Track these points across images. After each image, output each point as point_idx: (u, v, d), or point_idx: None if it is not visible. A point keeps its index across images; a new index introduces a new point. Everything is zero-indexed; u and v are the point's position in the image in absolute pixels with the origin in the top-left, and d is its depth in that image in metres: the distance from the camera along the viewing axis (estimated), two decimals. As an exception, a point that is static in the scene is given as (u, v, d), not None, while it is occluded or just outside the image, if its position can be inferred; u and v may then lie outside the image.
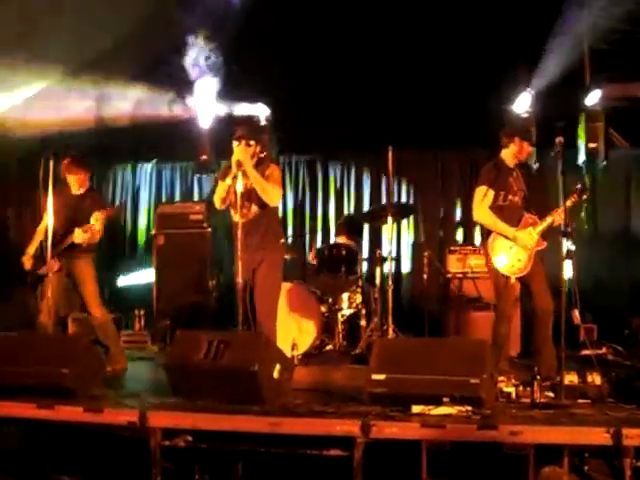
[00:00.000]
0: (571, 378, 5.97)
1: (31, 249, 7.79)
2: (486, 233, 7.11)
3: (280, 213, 9.11)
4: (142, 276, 11.57)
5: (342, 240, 9.53)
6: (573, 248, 6.15)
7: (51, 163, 7.29)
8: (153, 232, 10.89)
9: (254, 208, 6.93)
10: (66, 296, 8.19)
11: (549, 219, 7.00)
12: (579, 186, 7.02)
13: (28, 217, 7.99)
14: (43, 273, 7.58)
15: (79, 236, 7.48)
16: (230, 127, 7.83)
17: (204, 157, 11.24)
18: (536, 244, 6.97)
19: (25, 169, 8.16)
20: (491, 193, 7.02)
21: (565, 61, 9.47)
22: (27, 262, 7.74)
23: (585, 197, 7.05)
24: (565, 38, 9.31)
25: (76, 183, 7.76)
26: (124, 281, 11.85)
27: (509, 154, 7.17)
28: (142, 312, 10.68)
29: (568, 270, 6.10)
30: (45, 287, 7.44)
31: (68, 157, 7.71)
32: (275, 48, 9.95)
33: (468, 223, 11.11)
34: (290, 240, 10.05)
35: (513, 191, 7.10)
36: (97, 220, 7.49)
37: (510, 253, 6.99)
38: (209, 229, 10.69)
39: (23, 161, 10.57)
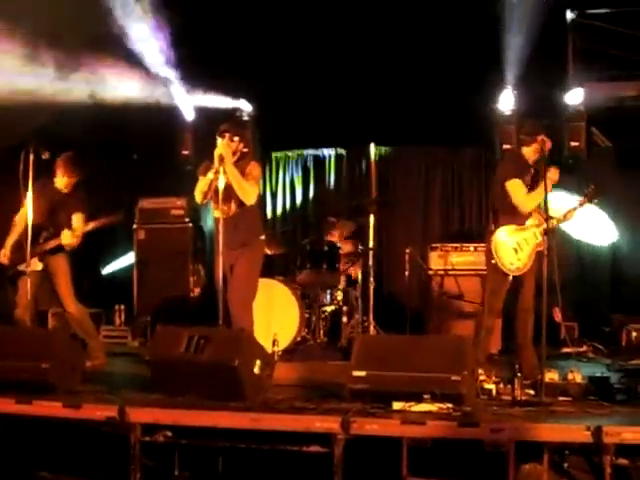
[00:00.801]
0: (552, 376, 6.00)
1: (9, 242, 7.73)
2: (491, 230, 7.08)
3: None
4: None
5: (324, 236, 9.51)
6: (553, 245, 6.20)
7: (31, 157, 7.21)
8: (134, 226, 10.83)
9: (234, 204, 6.92)
10: (47, 290, 8.13)
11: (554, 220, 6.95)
12: (592, 188, 7.04)
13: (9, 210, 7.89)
14: (23, 269, 7.52)
15: (67, 238, 7.44)
16: (212, 122, 7.80)
17: (185, 152, 11.22)
18: (538, 244, 6.98)
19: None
20: (520, 183, 6.97)
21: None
22: (4, 257, 7.68)
23: (596, 200, 7.10)
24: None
25: (64, 183, 7.68)
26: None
27: (531, 151, 7.04)
28: (122, 307, 10.64)
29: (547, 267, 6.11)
30: (23, 281, 7.39)
31: (67, 155, 7.65)
32: (259, 43, 9.90)
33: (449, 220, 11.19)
34: (275, 234, 9.98)
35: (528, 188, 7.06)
36: (78, 222, 7.48)
37: (512, 251, 6.99)
38: (190, 224, 10.67)
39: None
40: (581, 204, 7.02)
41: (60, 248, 7.59)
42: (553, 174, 6.77)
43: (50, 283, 7.80)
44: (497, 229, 7.02)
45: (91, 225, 7.58)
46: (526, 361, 6.63)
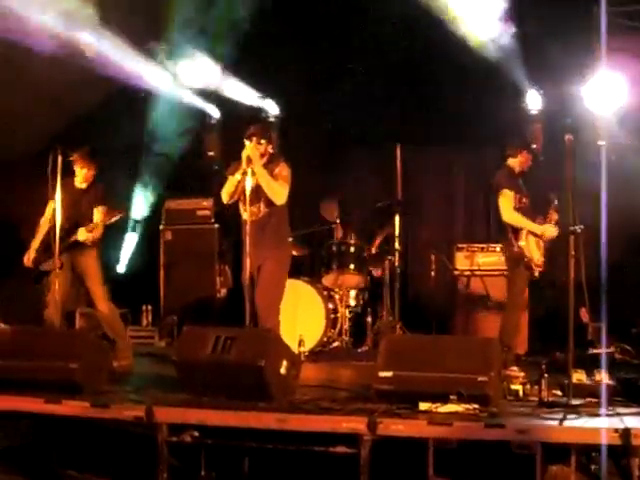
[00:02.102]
0: (579, 377, 5.96)
1: (35, 244, 7.76)
2: (517, 230, 7.44)
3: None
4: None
5: (350, 237, 9.51)
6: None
7: (59, 156, 7.26)
8: (161, 227, 10.88)
9: (262, 206, 6.95)
10: (74, 290, 8.18)
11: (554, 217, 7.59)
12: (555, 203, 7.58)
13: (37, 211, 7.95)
14: (46, 269, 7.57)
15: (82, 234, 7.47)
16: (239, 123, 7.81)
17: (211, 152, 11.26)
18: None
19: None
20: (512, 195, 7.49)
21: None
22: (28, 260, 7.71)
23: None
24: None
25: (83, 177, 7.74)
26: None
27: (517, 163, 7.71)
28: (149, 308, 10.69)
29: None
30: (51, 281, 7.43)
31: (83, 149, 7.69)
32: (285, 42, 9.91)
33: (475, 221, 11.14)
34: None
35: (524, 194, 7.58)
36: (99, 216, 7.51)
37: (537, 250, 7.44)
38: (216, 225, 10.70)
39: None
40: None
41: (85, 245, 7.63)
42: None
43: (81, 283, 7.84)
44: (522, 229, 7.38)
45: (100, 223, 7.53)
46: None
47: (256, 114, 10.83)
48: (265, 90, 10.77)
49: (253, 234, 6.70)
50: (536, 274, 7.43)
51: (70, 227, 7.50)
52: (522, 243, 7.37)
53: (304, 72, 10.19)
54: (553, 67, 9.61)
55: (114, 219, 7.62)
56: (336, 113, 10.42)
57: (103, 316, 7.78)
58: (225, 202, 7.06)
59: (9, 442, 6.50)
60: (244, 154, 6.78)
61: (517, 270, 7.48)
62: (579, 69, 9.63)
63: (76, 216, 7.56)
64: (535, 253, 7.41)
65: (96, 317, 8.07)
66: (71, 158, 7.56)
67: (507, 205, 7.45)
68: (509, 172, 7.68)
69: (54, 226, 7.26)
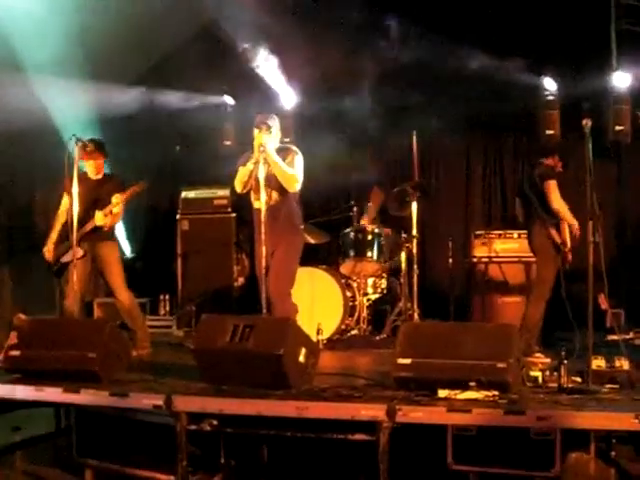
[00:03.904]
0: (599, 363, 5.94)
1: (53, 236, 7.80)
2: (556, 220, 7.57)
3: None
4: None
5: (367, 224, 9.49)
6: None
7: (76, 148, 7.28)
8: (178, 217, 10.90)
9: (274, 194, 6.96)
10: (92, 281, 8.21)
11: None
12: None
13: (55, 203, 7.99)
14: (67, 260, 7.60)
15: (100, 219, 7.52)
16: (254, 112, 7.80)
17: (227, 142, 11.27)
18: None
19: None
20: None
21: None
22: (48, 253, 7.75)
23: None
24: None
25: (95, 168, 7.77)
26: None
27: (552, 162, 7.88)
28: (167, 297, 10.72)
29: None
30: (70, 272, 7.45)
31: (90, 142, 7.70)
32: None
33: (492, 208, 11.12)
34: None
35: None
36: (118, 202, 7.54)
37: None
38: (233, 214, 10.70)
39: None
40: None
41: (105, 233, 7.66)
42: None
43: (100, 273, 7.87)
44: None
45: (121, 199, 7.62)
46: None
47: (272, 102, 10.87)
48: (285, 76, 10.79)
49: (265, 222, 6.69)
50: (567, 265, 7.50)
51: (87, 216, 7.56)
52: (566, 232, 7.53)
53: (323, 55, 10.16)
54: (571, 51, 9.58)
55: (131, 195, 7.67)
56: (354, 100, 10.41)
57: (122, 305, 7.81)
58: (239, 192, 7.07)
59: (30, 432, 6.56)
60: (256, 143, 6.79)
61: (549, 259, 7.56)
62: (597, 54, 9.61)
63: (93, 205, 7.59)
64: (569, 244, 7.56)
65: (114, 307, 8.11)
66: (87, 149, 7.60)
67: (557, 193, 7.56)
68: (552, 167, 7.84)
69: (72, 217, 7.29)
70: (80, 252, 7.49)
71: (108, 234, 7.74)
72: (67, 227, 7.47)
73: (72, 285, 7.35)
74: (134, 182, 7.72)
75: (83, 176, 7.64)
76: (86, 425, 6.42)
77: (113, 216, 7.59)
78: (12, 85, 8.77)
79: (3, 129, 8.52)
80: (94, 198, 7.64)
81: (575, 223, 7.50)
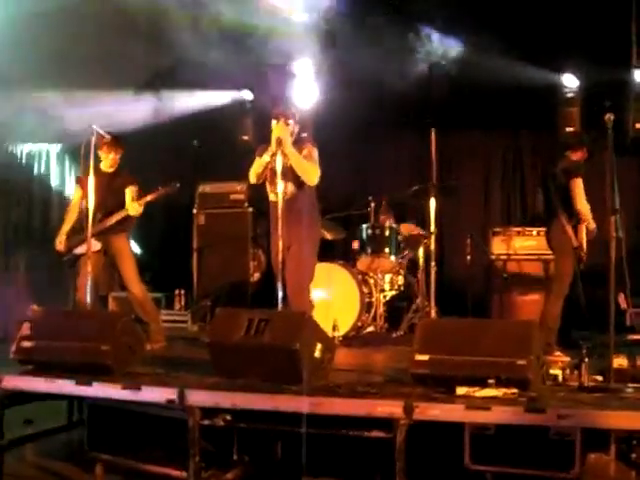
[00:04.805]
0: (621, 362, 5.84)
1: (65, 228, 7.78)
2: (576, 220, 7.50)
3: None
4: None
5: (385, 220, 9.43)
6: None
7: (92, 140, 7.25)
8: (194, 211, 10.85)
9: (290, 187, 6.89)
10: (107, 274, 8.17)
11: None
12: None
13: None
14: (81, 252, 7.57)
15: (133, 209, 7.58)
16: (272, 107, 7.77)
17: (245, 137, 11.23)
18: None
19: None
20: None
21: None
22: (60, 244, 7.73)
23: None
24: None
25: (111, 161, 7.75)
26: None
27: (579, 156, 7.76)
28: (182, 292, 10.68)
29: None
30: (84, 265, 7.41)
31: (110, 135, 7.68)
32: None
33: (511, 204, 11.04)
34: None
35: None
36: (134, 193, 7.61)
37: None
38: (250, 209, 10.65)
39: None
40: None
41: (121, 226, 7.63)
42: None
43: (113, 266, 7.84)
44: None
45: (150, 196, 7.64)
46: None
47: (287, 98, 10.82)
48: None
49: (282, 215, 6.62)
50: (582, 265, 7.46)
51: (107, 209, 7.56)
52: (583, 234, 7.47)
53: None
54: (591, 48, 9.48)
55: (161, 196, 7.71)
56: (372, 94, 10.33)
57: (135, 298, 7.79)
58: (253, 183, 7.05)
59: (42, 425, 6.52)
60: (273, 135, 6.73)
61: (567, 256, 7.50)
62: (618, 50, 9.51)
63: (107, 199, 7.58)
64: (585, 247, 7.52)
65: (129, 301, 8.08)
66: (103, 142, 7.58)
67: (582, 193, 7.49)
68: (578, 162, 7.75)
69: (86, 210, 7.26)
70: (97, 245, 7.48)
71: (124, 227, 7.72)
72: (81, 219, 7.47)
73: (84, 278, 7.32)
74: (165, 184, 7.73)
75: (96, 169, 7.62)
76: (98, 419, 6.37)
77: (141, 206, 7.58)
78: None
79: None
80: (106, 191, 7.61)
81: (593, 226, 7.46)
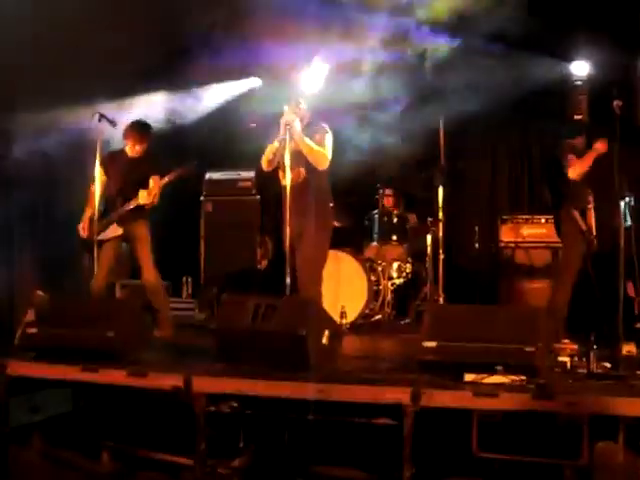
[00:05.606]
0: (629, 349, 5.82)
1: (87, 214, 7.72)
2: (583, 204, 7.38)
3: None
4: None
5: (392, 208, 9.41)
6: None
7: (100, 125, 7.23)
8: (202, 199, 10.83)
9: (302, 171, 6.83)
10: (116, 262, 8.15)
11: None
12: None
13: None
14: (104, 238, 7.54)
15: (144, 198, 7.49)
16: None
17: (253, 124, 11.19)
18: None
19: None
20: None
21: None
22: (84, 230, 7.67)
23: None
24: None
25: (136, 146, 7.68)
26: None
27: (579, 143, 7.61)
28: (189, 279, 10.65)
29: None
30: (101, 251, 7.40)
31: (135, 121, 7.69)
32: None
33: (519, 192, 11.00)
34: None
35: None
36: (155, 183, 7.49)
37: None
38: (258, 196, 10.62)
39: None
40: None
41: (140, 212, 7.60)
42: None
43: (132, 251, 7.80)
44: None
45: (165, 180, 7.58)
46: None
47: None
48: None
49: (293, 200, 6.57)
50: (592, 252, 7.34)
51: (128, 195, 7.55)
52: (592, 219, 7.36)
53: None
54: (600, 35, 9.42)
55: (175, 178, 7.64)
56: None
57: (149, 284, 7.71)
58: (265, 169, 6.99)
59: (48, 412, 6.50)
60: (283, 119, 6.68)
61: (574, 244, 7.42)
62: (628, 38, 9.44)
63: (132, 184, 7.54)
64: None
65: (136, 289, 8.06)
66: (124, 131, 7.56)
67: (576, 166, 7.37)
68: (574, 145, 7.65)
69: (108, 195, 7.25)
70: (119, 230, 7.47)
71: (144, 213, 7.67)
72: (103, 204, 7.47)
73: (102, 264, 7.39)
74: (181, 165, 7.68)
75: (120, 154, 7.60)
76: (104, 406, 6.35)
77: (154, 196, 7.53)
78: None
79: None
80: (131, 176, 7.57)
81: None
